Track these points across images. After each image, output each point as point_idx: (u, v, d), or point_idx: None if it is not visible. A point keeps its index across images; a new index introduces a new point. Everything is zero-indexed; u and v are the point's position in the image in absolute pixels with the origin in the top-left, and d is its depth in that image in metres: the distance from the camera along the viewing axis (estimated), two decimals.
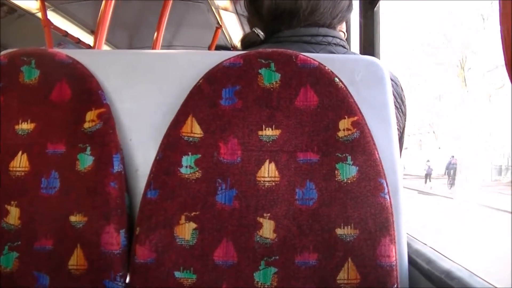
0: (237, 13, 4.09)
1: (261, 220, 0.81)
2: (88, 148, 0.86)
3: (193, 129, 0.83)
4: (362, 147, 0.82)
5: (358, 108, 0.83)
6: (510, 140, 20.25)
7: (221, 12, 4.16)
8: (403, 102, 1.14)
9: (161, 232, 0.81)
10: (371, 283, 0.79)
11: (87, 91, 0.88)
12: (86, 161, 0.86)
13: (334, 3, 1.08)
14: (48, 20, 3.67)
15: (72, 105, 0.89)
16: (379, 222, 0.80)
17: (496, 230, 9.43)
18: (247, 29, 1.19)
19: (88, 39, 4.39)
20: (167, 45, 4.63)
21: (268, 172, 0.82)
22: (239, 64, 0.85)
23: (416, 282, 0.87)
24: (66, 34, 3.92)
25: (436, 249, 0.91)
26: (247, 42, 1.12)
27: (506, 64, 0.55)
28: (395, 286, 0.80)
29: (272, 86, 0.84)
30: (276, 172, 0.82)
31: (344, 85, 0.83)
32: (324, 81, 0.83)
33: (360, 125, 0.82)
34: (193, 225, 0.81)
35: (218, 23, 4.44)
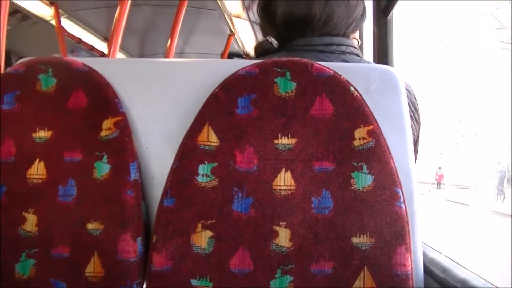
0: (249, 20, 4.09)
1: (277, 228, 0.81)
2: (105, 156, 0.87)
3: (209, 138, 0.83)
4: (377, 156, 0.81)
5: (374, 117, 0.83)
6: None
7: (234, 19, 4.17)
8: (416, 110, 1.14)
9: (177, 240, 0.81)
10: None
11: (103, 99, 0.89)
12: (102, 169, 0.86)
13: (348, 12, 1.08)
14: (62, 27, 3.71)
15: (88, 113, 0.89)
16: (394, 231, 0.80)
17: None
18: (260, 37, 1.19)
19: (101, 45, 4.42)
20: (180, 52, 4.66)
21: (284, 180, 0.82)
22: (255, 72, 0.85)
23: None
24: (79, 41, 3.95)
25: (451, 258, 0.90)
26: (260, 50, 1.13)
27: None
28: None
29: (287, 95, 0.84)
30: (292, 181, 0.82)
31: (360, 94, 0.83)
32: (339, 90, 0.83)
33: (375, 134, 0.82)
34: (209, 233, 0.81)
35: (231, 30, 4.45)
